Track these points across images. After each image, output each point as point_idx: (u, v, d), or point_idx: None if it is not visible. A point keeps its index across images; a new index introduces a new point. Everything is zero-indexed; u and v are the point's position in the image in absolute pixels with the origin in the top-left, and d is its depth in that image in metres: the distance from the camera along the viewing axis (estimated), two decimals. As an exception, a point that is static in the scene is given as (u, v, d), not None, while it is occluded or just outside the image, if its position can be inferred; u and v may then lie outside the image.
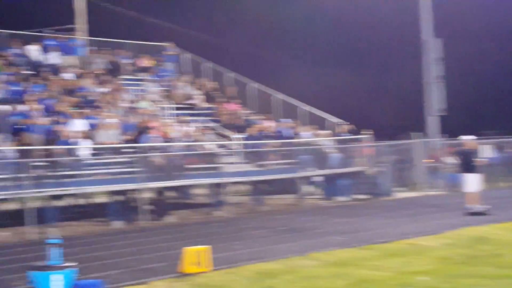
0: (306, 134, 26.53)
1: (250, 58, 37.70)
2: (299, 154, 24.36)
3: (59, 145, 19.86)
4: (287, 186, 25.37)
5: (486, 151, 27.67)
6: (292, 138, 25.75)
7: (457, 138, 22.02)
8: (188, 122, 24.75)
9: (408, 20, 33.67)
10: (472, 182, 19.71)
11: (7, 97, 21.96)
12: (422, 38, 31.87)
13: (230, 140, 24.92)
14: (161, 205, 21.24)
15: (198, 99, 27.91)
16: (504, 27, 41.27)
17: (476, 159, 19.95)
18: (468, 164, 19.84)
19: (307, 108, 28.25)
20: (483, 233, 15.69)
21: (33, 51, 26.25)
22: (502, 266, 11.75)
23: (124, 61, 28.50)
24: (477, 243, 14.35)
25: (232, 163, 23.41)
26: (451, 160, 23.82)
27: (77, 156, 19.73)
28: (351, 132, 26.97)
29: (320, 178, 26.24)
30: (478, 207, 19.33)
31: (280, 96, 29.04)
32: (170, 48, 30.69)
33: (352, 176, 25.75)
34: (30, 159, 18.47)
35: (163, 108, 26.05)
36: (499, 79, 42.62)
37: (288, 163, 24.23)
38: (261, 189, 23.96)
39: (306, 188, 26.04)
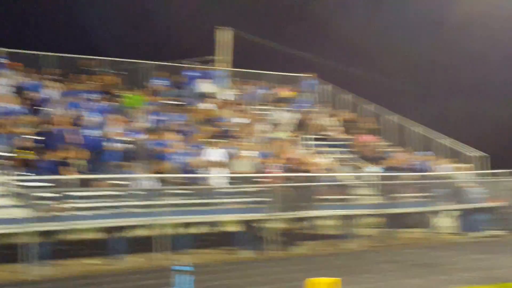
0: (446, 168, 25.89)
1: (391, 90, 37.25)
2: (434, 187, 23.81)
3: (194, 174, 20.50)
4: (419, 220, 24.80)
5: None
6: (428, 171, 25.19)
7: None
8: (323, 153, 24.79)
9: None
10: None
11: (149, 126, 22.95)
12: None
13: (364, 172, 24.77)
14: (290, 235, 21.35)
15: (335, 130, 27.92)
16: None
17: None
18: None
19: (447, 141, 27.60)
20: None
21: (178, 82, 27.37)
22: None
23: (263, 91, 29.01)
24: None
25: (364, 195, 23.29)
26: None
27: (214, 184, 20.21)
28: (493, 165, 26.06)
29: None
30: None
31: (419, 128, 28.54)
32: (309, 79, 30.91)
33: (490, 211, 24.78)
34: (166, 187, 19.21)
35: (299, 139, 26.22)
36: None
37: (423, 197, 23.73)
38: (392, 222, 23.57)
39: (439, 222, 25.31)
